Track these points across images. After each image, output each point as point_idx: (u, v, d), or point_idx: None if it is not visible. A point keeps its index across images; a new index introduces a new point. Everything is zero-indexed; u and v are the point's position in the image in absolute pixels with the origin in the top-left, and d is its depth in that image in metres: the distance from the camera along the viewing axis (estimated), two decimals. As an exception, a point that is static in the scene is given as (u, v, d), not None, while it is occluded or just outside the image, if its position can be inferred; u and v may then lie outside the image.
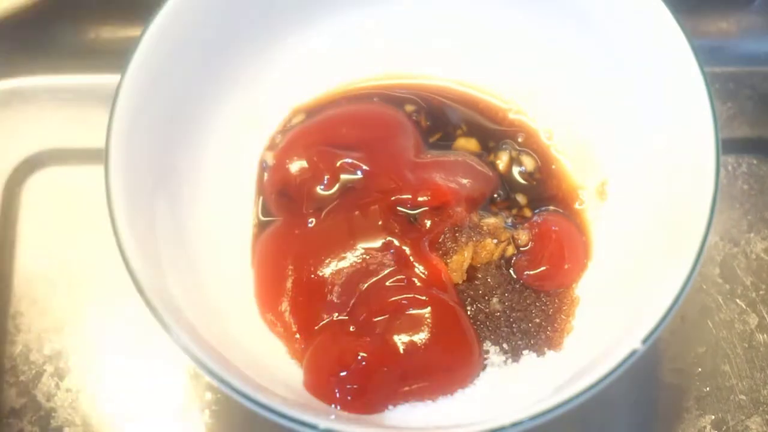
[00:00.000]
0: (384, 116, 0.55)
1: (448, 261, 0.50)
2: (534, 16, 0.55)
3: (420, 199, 0.51)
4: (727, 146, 0.44)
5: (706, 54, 0.46)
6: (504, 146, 0.55)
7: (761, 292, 0.57)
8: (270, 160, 0.54)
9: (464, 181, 0.52)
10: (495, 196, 0.53)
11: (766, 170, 0.61)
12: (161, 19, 0.47)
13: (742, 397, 0.55)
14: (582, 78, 0.54)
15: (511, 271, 0.51)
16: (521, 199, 0.54)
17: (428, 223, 0.50)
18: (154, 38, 0.46)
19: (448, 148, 0.55)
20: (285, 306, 0.49)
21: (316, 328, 0.48)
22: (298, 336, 0.48)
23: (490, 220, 0.52)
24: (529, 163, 0.54)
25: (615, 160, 0.53)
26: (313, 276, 0.49)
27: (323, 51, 0.57)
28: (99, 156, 0.43)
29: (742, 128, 0.63)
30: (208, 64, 0.51)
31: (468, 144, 0.55)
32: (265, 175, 0.54)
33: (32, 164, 0.61)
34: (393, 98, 0.56)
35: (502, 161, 0.54)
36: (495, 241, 0.51)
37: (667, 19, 0.47)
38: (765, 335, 0.56)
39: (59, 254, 0.58)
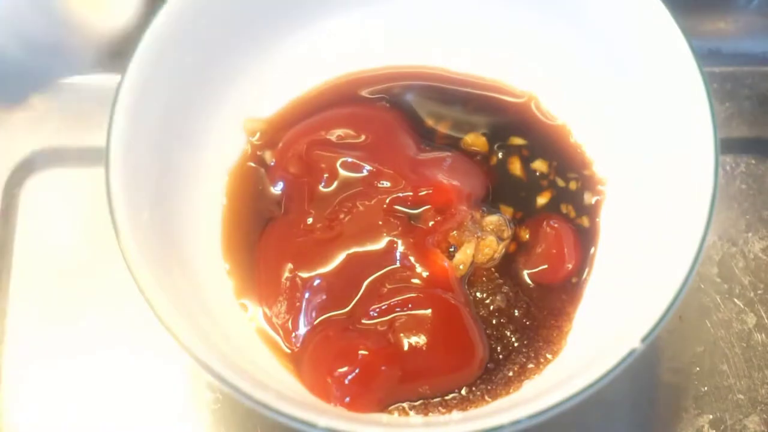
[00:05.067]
0: (383, 115, 0.55)
1: (451, 259, 0.50)
2: (532, 16, 0.55)
3: (423, 197, 0.51)
4: (725, 146, 0.44)
5: (705, 54, 0.47)
6: (511, 148, 0.55)
7: (759, 292, 0.58)
8: (269, 158, 0.54)
9: (464, 178, 0.52)
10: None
11: (765, 170, 0.62)
12: (161, 18, 0.47)
13: (740, 396, 0.55)
14: (580, 78, 0.54)
15: (513, 270, 0.51)
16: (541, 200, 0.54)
17: (431, 221, 0.51)
18: (154, 38, 0.46)
19: (455, 146, 0.55)
20: (285, 304, 0.49)
21: (316, 325, 0.48)
22: (297, 334, 0.48)
23: (493, 218, 0.52)
24: (540, 165, 0.55)
25: (613, 159, 0.53)
26: (313, 274, 0.49)
27: (326, 49, 0.57)
28: (99, 156, 0.44)
29: (741, 128, 0.63)
30: (209, 63, 0.52)
31: (477, 141, 0.55)
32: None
33: (31, 165, 0.61)
34: (394, 92, 0.57)
35: (513, 163, 0.54)
36: (497, 239, 0.51)
37: (665, 18, 0.47)
38: (763, 335, 0.56)
39: (59, 254, 0.58)
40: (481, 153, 0.55)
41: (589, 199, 0.53)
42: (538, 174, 0.54)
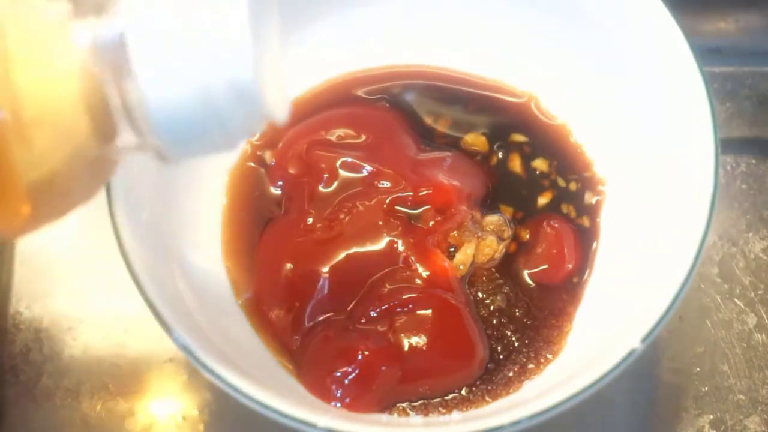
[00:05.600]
0: (383, 115, 0.55)
1: (451, 259, 0.50)
2: (531, 15, 0.55)
3: (423, 197, 0.51)
4: (725, 146, 0.44)
5: (705, 54, 0.46)
6: (513, 146, 0.55)
7: (759, 292, 0.58)
8: (269, 158, 0.54)
9: (464, 178, 0.52)
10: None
11: (765, 170, 0.61)
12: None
13: (741, 396, 0.55)
14: (579, 78, 0.54)
15: (513, 270, 0.51)
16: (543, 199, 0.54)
17: (431, 221, 0.51)
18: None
19: (455, 145, 0.55)
20: (284, 303, 0.49)
21: (315, 325, 0.48)
22: (297, 334, 0.48)
23: (493, 218, 0.52)
24: (541, 164, 0.55)
25: (613, 160, 0.53)
26: (313, 274, 0.49)
27: (326, 49, 0.57)
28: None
29: (741, 128, 0.63)
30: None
31: (477, 141, 0.55)
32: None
33: (32, 164, 0.61)
34: (394, 92, 0.56)
35: (513, 161, 0.54)
36: (497, 239, 0.51)
37: (665, 18, 0.47)
38: (763, 335, 0.56)
39: (59, 254, 0.58)
40: (482, 153, 0.55)
41: (589, 199, 0.53)
42: (538, 173, 0.54)
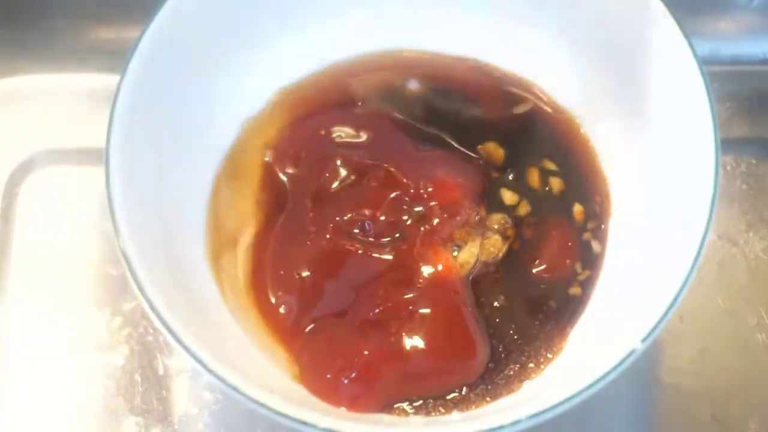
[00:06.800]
0: (382, 113, 0.55)
1: (455, 257, 0.50)
2: (529, 17, 0.55)
3: (427, 194, 0.51)
4: (725, 146, 0.44)
5: (705, 54, 0.46)
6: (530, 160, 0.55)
7: (759, 292, 0.58)
8: (269, 156, 0.54)
9: (466, 175, 0.52)
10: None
11: (765, 170, 0.62)
12: (161, 19, 0.47)
13: (741, 396, 0.55)
14: (579, 79, 0.54)
15: (515, 268, 0.51)
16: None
17: (435, 218, 0.50)
18: (153, 38, 0.46)
19: (452, 144, 0.54)
20: (285, 304, 0.49)
21: (316, 325, 0.48)
22: (297, 334, 0.48)
23: (497, 216, 0.52)
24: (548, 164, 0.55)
25: (614, 160, 0.53)
26: (315, 273, 0.49)
27: (329, 43, 0.57)
28: (99, 156, 0.44)
29: (741, 128, 0.63)
30: (208, 63, 0.52)
31: (496, 152, 0.55)
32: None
33: (31, 164, 0.61)
34: (393, 89, 0.57)
35: (533, 177, 0.54)
36: (501, 237, 0.51)
37: (666, 19, 0.47)
38: (763, 335, 0.56)
39: (58, 255, 0.58)
40: (496, 164, 0.54)
41: (590, 198, 0.53)
42: (540, 170, 0.54)
